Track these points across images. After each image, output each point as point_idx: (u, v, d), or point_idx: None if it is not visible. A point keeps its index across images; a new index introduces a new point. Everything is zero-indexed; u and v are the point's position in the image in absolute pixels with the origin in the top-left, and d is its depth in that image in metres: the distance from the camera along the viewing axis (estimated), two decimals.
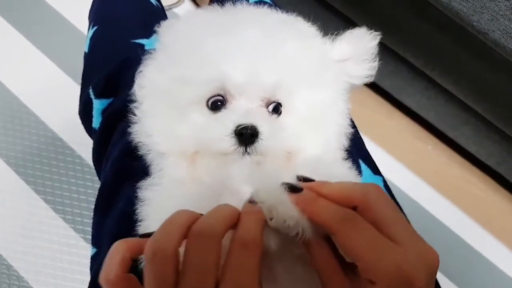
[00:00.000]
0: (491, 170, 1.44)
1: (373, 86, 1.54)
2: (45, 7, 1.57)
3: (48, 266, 1.19)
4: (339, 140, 0.59)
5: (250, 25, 0.56)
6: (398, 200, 0.71)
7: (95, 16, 0.89)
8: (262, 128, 0.52)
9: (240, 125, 0.51)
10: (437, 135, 1.52)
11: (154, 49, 0.59)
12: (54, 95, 1.38)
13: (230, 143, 0.51)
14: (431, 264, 0.40)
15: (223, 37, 0.55)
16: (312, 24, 0.61)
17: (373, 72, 0.60)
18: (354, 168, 0.58)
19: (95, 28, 0.85)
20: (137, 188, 0.54)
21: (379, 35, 0.60)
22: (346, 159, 0.60)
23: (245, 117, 0.52)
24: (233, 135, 0.51)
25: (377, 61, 0.60)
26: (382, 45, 1.36)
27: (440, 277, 1.30)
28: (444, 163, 1.52)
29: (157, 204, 0.52)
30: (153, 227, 0.47)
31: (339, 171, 0.57)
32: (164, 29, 0.60)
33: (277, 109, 0.56)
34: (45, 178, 1.26)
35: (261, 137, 0.51)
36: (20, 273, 1.17)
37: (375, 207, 0.41)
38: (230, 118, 0.52)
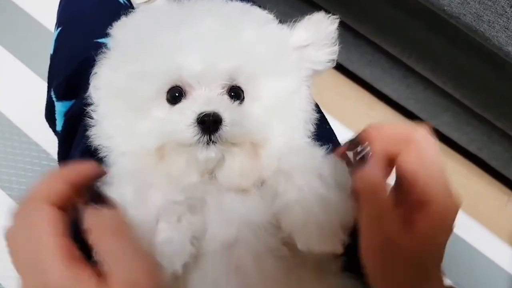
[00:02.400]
0: (473, 156, 1.44)
1: (353, 76, 1.54)
2: (15, 9, 1.54)
3: None
4: (305, 126, 0.59)
5: (205, 15, 0.55)
6: None
7: (60, 17, 0.87)
8: (225, 115, 0.50)
9: (202, 113, 0.50)
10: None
11: (108, 48, 0.58)
12: (28, 99, 1.35)
13: (193, 132, 0.50)
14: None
15: (178, 28, 0.54)
16: (289, 17, 0.61)
17: (334, 57, 0.60)
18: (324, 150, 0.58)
19: (59, 28, 0.83)
20: None
21: (337, 18, 0.59)
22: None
23: (206, 105, 0.51)
24: (196, 124, 0.50)
25: (337, 45, 0.60)
26: (359, 35, 1.36)
27: None
28: None
29: None
30: None
31: (311, 153, 0.57)
32: (117, 26, 0.59)
33: (238, 95, 0.55)
34: (21, 183, 1.24)
35: (224, 124, 0.50)
36: None
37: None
38: (191, 108, 0.51)
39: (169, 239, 0.46)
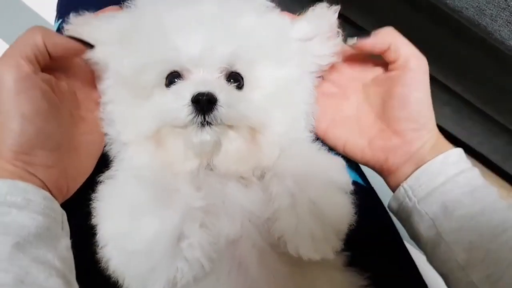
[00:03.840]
0: (473, 150, 1.43)
1: None
2: (16, 2, 1.52)
3: None
4: (307, 120, 0.59)
5: (205, 0, 0.54)
6: (379, 187, 0.70)
7: (60, 9, 0.86)
8: (220, 96, 0.50)
9: (196, 93, 0.50)
10: None
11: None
12: None
13: (187, 112, 0.50)
14: None
15: (176, 11, 0.53)
16: (290, 11, 0.60)
17: (338, 49, 0.59)
18: (324, 149, 0.58)
19: (60, 21, 0.82)
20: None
21: (339, 9, 0.59)
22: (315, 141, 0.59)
23: (201, 85, 0.50)
24: (190, 103, 0.50)
25: (340, 36, 0.59)
26: (359, 28, 1.35)
27: None
28: None
29: (109, 197, 0.49)
30: (106, 221, 0.47)
31: (310, 152, 0.57)
32: (118, 13, 0.58)
33: (237, 81, 0.55)
34: None
35: (219, 104, 0.50)
36: None
37: None
38: (187, 88, 0.51)
39: (192, 245, 0.46)
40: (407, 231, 0.58)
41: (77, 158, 0.53)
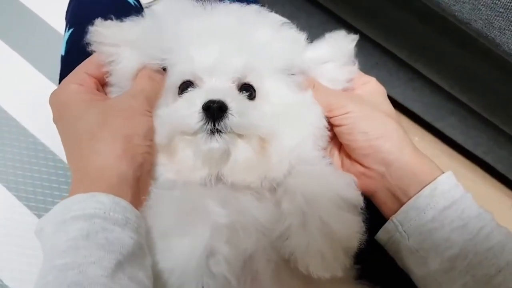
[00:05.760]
0: (478, 159, 1.43)
1: None
2: (21, 8, 1.53)
3: None
4: (315, 142, 0.58)
5: (222, 12, 0.56)
6: None
7: (71, 18, 0.86)
8: (231, 104, 0.51)
9: (207, 100, 0.50)
10: (424, 126, 1.50)
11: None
12: (35, 100, 1.34)
13: (197, 118, 0.50)
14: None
15: (193, 22, 0.55)
16: (295, 19, 0.61)
17: (353, 76, 0.60)
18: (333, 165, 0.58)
19: (71, 30, 0.83)
20: None
21: (357, 38, 0.59)
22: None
23: (213, 93, 0.51)
24: (201, 110, 0.50)
25: (356, 64, 0.59)
26: (365, 37, 1.35)
27: None
28: (431, 154, 1.49)
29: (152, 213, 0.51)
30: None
31: (319, 169, 0.57)
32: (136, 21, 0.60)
33: (249, 92, 0.55)
34: (27, 184, 1.23)
35: (230, 113, 0.50)
36: None
37: None
38: (198, 96, 0.52)
39: (219, 261, 0.47)
40: (398, 262, 0.56)
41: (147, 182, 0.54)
